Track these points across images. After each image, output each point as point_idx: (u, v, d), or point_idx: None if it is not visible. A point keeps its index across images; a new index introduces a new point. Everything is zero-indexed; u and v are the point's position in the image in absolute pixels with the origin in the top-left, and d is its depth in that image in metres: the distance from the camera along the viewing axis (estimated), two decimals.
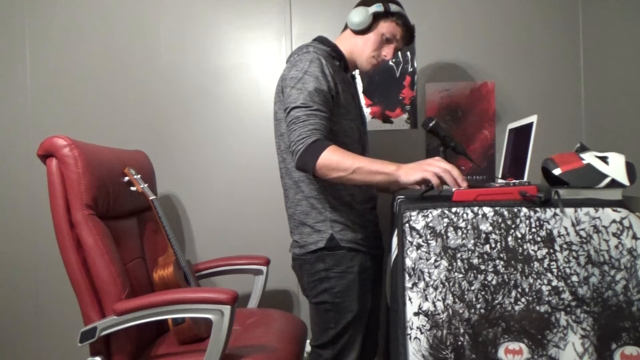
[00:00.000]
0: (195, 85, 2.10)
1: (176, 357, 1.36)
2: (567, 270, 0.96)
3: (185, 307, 1.27)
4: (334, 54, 1.43)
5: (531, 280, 0.97)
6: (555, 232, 0.97)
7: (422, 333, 0.98)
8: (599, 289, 0.95)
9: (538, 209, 0.97)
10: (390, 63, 2.03)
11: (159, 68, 2.10)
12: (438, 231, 0.99)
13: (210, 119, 2.10)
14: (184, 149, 2.10)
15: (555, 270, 0.96)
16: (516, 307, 0.97)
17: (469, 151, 2.01)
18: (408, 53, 2.02)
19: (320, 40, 1.44)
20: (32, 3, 2.11)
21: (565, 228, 0.96)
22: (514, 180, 1.17)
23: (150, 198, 1.62)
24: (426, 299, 0.98)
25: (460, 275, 0.98)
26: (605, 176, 1.04)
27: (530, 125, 1.27)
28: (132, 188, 1.61)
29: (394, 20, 1.42)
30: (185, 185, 2.11)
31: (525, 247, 0.97)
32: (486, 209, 0.99)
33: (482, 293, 0.97)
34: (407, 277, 0.99)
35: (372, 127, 2.04)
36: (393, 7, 1.41)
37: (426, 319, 0.98)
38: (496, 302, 0.97)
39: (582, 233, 0.96)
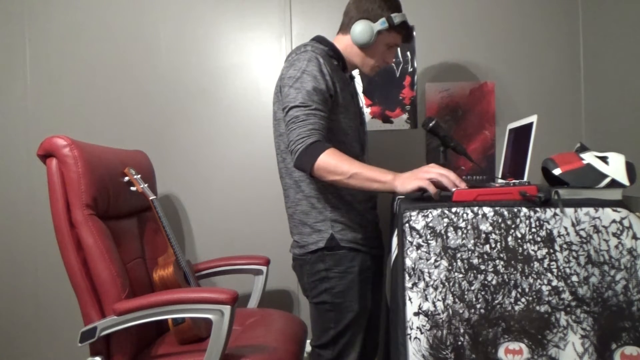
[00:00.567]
0: (196, 86, 2.10)
1: (176, 357, 1.36)
2: (567, 270, 0.96)
3: (185, 307, 1.27)
4: (332, 54, 1.43)
5: (531, 280, 0.97)
6: (555, 232, 0.97)
7: (422, 333, 0.98)
8: (599, 289, 0.95)
9: (538, 209, 0.97)
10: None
11: (159, 68, 2.10)
12: (438, 231, 0.99)
13: (210, 119, 2.10)
14: (184, 149, 2.10)
15: (555, 270, 0.96)
16: (516, 307, 0.97)
17: (469, 151, 2.01)
18: (408, 53, 2.02)
19: (319, 39, 1.44)
20: (32, 3, 2.11)
21: (565, 228, 0.96)
22: (514, 180, 1.17)
23: (150, 198, 1.62)
24: (426, 299, 0.98)
25: (460, 275, 0.98)
26: (605, 176, 1.04)
27: (530, 125, 1.27)
28: (132, 188, 1.61)
29: (397, 31, 1.42)
30: (185, 185, 2.11)
31: (525, 247, 0.97)
32: (486, 209, 0.99)
33: (482, 293, 0.97)
34: (407, 277, 0.99)
35: (372, 127, 2.04)
36: (397, 19, 1.39)
37: (426, 319, 0.98)
38: (496, 302, 0.97)
39: (582, 233, 0.96)
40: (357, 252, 1.38)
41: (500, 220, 0.98)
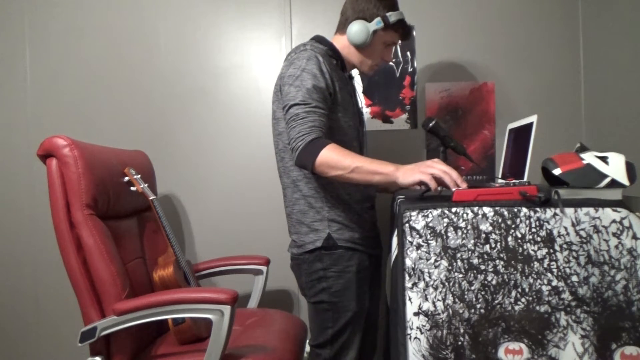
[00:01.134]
0: (196, 85, 2.10)
1: (176, 357, 1.36)
2: (567, 270, 0.96)
3: (185, 307, 1.27)
4: (331, 53, 1.43)
5: (531, 280, 0.97)
6: (555, 232, 0.97)
7: (422, 333, 0.98)
8: (599, 289, 0.95)
9: (538, 209, 0.97)
10: (390, 63, 2.03)
11: (159, 68, 2.10)
12: (438, 231, 0.99)
13: (210, 119, 2.10)
14: (184, 149, 2.10)
15: (555, 270, 0.96)
16: (516, 307, 0.97)
17: (469, 151, 2.01)
18: (408, 53, 2.02)
19: (318, 39, 1.45)
20: (32, 3, 2.11)
21: (565, 228, 0.96)
22: (514, 180, 1.17)
23: (150, 198, 1.62)
24: (426, 299, 0.98)
25: (460, 275, 0.98)
26: (605, 176, 1.04)
27: (530, 125, 1.27)
28: (132, 188, 1.61)
29: (394, 29, 1.42)
30: (185, 185, 2.11)
31: (525, 247, 0.97)
32: (486, 209, 0.99)
33: (482, 293, 0.97)
34: (407, 277, 0.99)
35: (372, 127, 2.04)
36: (392, 18, 1.39)
37: (426, 319, 0.98)
38: (496, 302, 0.97)
39: (582, 233, 0.96)
40: (354, 251, 1.38)
41: (500, 220, 0.98)
